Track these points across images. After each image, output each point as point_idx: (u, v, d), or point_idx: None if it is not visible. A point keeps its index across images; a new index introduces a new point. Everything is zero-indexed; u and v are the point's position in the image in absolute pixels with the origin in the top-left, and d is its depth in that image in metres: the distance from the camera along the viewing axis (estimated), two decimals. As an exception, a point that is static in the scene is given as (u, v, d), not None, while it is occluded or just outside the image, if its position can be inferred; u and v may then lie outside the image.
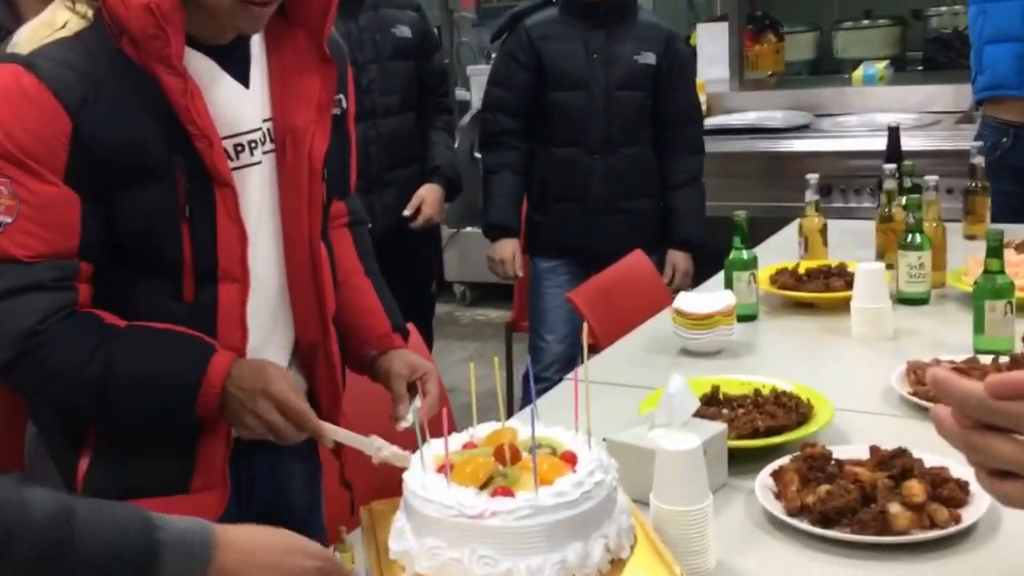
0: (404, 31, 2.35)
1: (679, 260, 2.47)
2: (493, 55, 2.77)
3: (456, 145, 4.23)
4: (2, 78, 0.99)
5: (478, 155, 3.49)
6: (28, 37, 1.02)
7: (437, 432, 0.97)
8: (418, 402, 1.19)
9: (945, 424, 0.56)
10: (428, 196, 2.40)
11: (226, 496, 1.11)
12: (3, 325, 1.01)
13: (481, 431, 1.03)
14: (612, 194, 2.40)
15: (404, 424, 1.17)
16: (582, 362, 1.03)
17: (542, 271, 2.49)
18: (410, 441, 1.00)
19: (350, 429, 1.18)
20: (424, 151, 2.42)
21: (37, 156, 0.99)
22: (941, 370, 0.57)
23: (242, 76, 1.10)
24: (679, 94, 2.47)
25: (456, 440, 1.00)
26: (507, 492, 0.92)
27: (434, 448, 0.98)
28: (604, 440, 1.18)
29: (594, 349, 1.85)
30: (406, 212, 2.38)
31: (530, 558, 0.90)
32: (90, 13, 1.03)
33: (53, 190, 1.00)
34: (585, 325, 1.08)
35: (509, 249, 2.44)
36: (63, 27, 1.02)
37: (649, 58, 2.41)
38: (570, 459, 0.97)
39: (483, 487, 0.93)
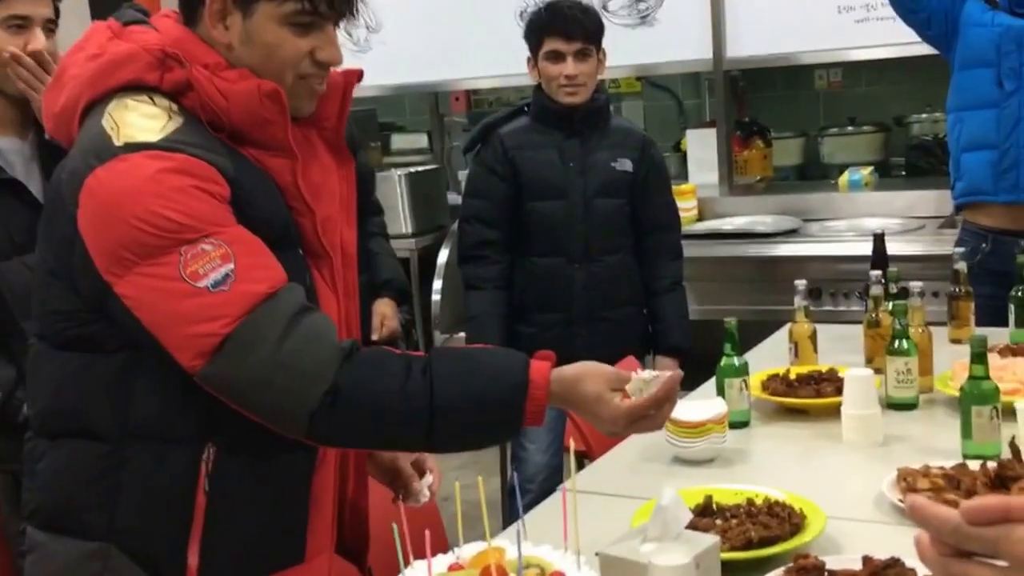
0: None
1: (667, 367, 2.47)
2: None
3: (448, 251, 4.31)
4: (146, 164, 1.00)
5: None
6: (133, 132, 1.02)
7: (421, 553, 0.98)
8: (429, 478, 1.23)
9: (926, 552, 0.56)
10: (387, 311, 2.44)
11: (332, 557, 1.12)
12: (308, 353, 1.00)
13: (467, 551, 1.03)
14: (594, 303, 2.39)
15: (420, 501, 1.22)
16: (569, 475, 1.05)
17: None
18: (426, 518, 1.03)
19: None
20: (368, 263, 2.41)
21: (211, 217, 1.01)
22: (918, 497, 0.57)
23: None
24: (657, 200, 2.48)
25: (442, 561, 1.01)
26: None
27: (418, 571, 0.98)
28: (597, 554, 1.18)
29: (587, 457, 1.85)
30: (374, 336, 2.40)
31: None
32: (175, 107, 1.06)
33: (241, 229, 1.03)
34: (571, 439, 1.10)
35: None
36: (169, 119, 1.05)
37: (626, 165, 2.42)
38: None
39: None
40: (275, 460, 1.09)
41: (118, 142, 1.02)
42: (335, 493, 1.12)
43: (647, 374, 1.16)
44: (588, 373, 1.12)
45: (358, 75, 1.19)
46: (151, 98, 1.06)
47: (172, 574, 1.06)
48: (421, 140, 4.80)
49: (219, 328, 0.98)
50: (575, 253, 2.37)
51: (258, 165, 1.06)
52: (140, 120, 1.04)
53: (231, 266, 0.99)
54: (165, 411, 1.06)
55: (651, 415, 1.12)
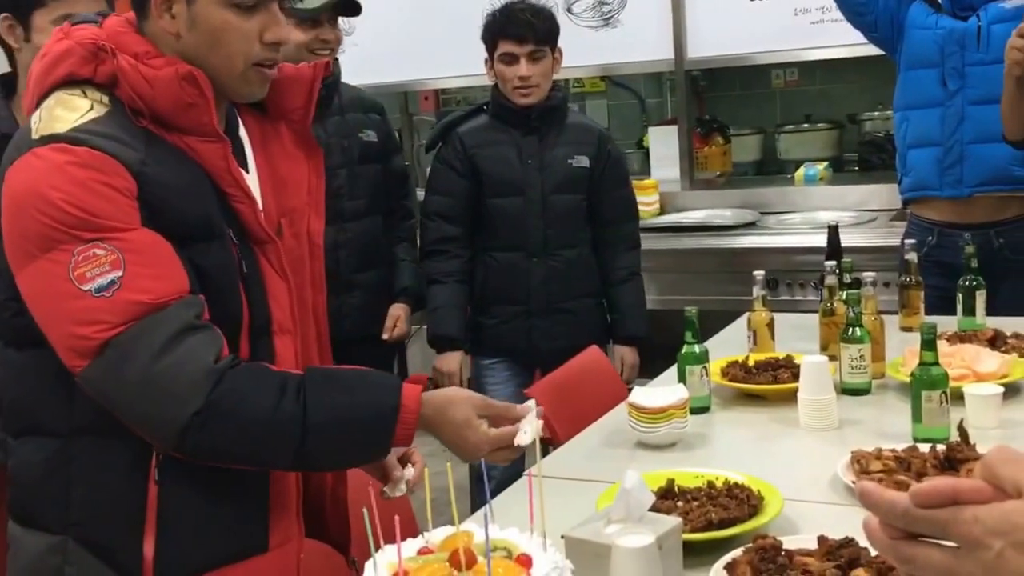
0: (371, 135, 2.43)
1: (626, 354, 2.52)
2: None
3: (418, 248, 4.33)
4: (52, 157, 1.00)
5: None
6: (51, 124, 1.03)
7: (390, 538, 1.00)
8: (410, 470, 1.23)
9: (875, 536, 0.56)
10: (401, 315, 2.47)
11: (301, 548, 1.11)
12: (180, 375, 0.99)
13: (436, 535, 1.05)
14: (552, 296, 2.43)
15: (396, 493, 1.22)
16: (536, 461, 1.07)
17: (483, 368, 2.51)
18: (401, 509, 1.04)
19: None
20: (391, 265, 2.47)
21: (113, 215, 1.00)
22: (867, 482, 0.57)
23: (241, 161, 1.15)
24: (615, 193, 2.52)
25: (412, 546, 1.02)
26: None
27: (388, 555, 0.99)
28: (562, 537, 1.21)
29: (553, 443, 1.88)
30: (384, 335, 2.44)
31: None
32: (105, 99, 1.05)
33: (142, 233, 1.01)
34: (537, 436, 1.12)
35: (455, 362, 2.46)
36: (90, 110, 1.04)
37: (583, 161, 2.46)
38: (525, 562, 0.98)
39: None
40: None
41: (35, 136, 1.03)
42: (298, 482, 1.12)
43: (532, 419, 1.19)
44: (457, 399, 1.14)
45: (325, 67, 1.19)
46: (83, 91, 1.06)
47: (129, 564, 1.07)
48: (391, 137, 4.82)
49: (95, 333, 0.99)
50: (533, 248, 2.41)
51: (190, 153, 1.05)
52: (61, 112, 1.05)
53: (119, 273, 0.99)
54: None
55: (512, 446, 1.16)
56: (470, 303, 2.50)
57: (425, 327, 4.33)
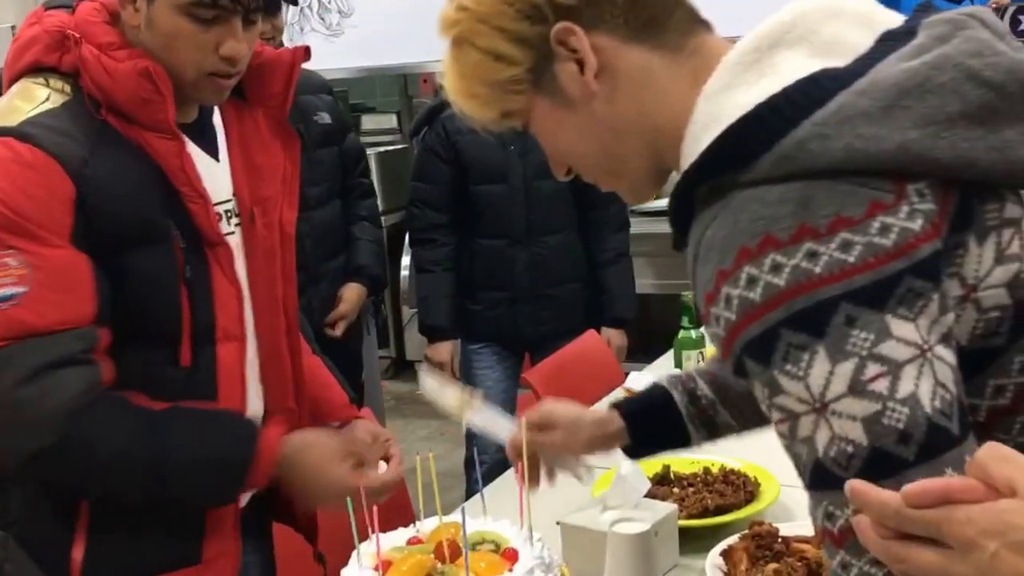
0: (324, 117, 2.35)
1: (614, 337, 2.50)
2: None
3: (383, 228, 4.30)
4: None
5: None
6: (6, 115, 1.02)
7: (384, 527, 0.99)
8: (383, 466, 1.21)
9: (867, 535, 0.55)
10: (351, 296, 2.39)
11: (238, 562, 1.10)
12: (38, 407, 0.97)
13: (428, 525, 1.05)
14: (538, 282, 2.42)
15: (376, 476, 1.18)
16: (525, 457, 1.06)
17: (470, 353, 2.50)
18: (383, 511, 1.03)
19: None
20: (347, 246, 2.40)
21: (42, 222, 0.98)
22: (858, 481, 0.55)
23: (211, 150, 1.13)
24: None
25: (402, 535, 1.02)
26: None
27: (374, 545, 0.99)
28: (558, 523, 1.21)
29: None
30: (328, 320, 2.34)
31: None
32: (67, 88, 1.04)
33: (63, 253, 0.99)
34: (523, 421, 1.11)
35: (447, 352, 2.46)
36: (46, 100, 1.03)
37: None
38: (511, 556, 0.97)
39: None
40: None
41: None
42: (236, 505, 1.10)
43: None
44: (316, 442, 1.12)
45: (304, 52, 1.17)
46: (46, 79, 1.05)
47: (59, 567, 1.07)
48: (390, 121, 4.82)
49: None
50: (517, 234, 2.40)
51: (146, 148, 1.03)
52: (19, 103, 1.04)
53: (22, 289, 0.97)
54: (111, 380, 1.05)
55: (382, 485, 1.14)
56: (457, 289, 2.50)
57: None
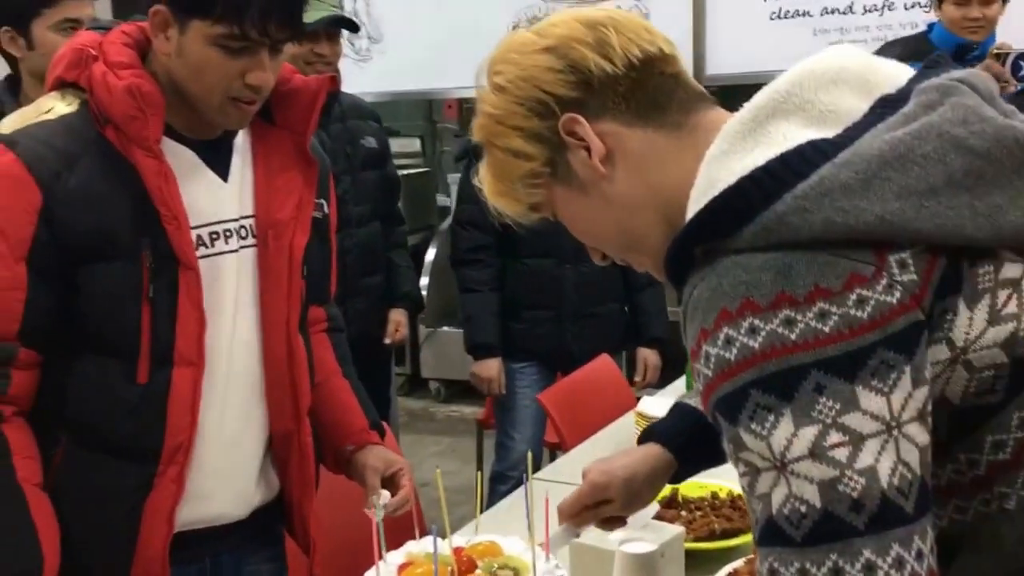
0: (371, 142, 2.47)
1: (650, 357, 2.56)
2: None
3: (435, 250, 4.37)
4: None
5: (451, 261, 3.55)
6: (14, 120, 1.10)
7: (403, 530, 1.01)
8: (386, 496, 1.21)
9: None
10: (402, 320, 2.53)
11: None
12: None
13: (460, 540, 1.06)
14: (584, 301, 2.48)
15: (376, 511, 1.18)
16: (527, 479, 1.07)
17: (512, 371, 2.55)
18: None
19: (319, 526, 1.21)
20: (389, 271, 2.52)
21: (3, 229, 1.03)
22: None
23: (222, 170, 1.16)
24: None
25: (424, 544, 1.01)
26: None
27: (406, 548, 1.02)
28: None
29: (560, 449, 1.91)
30: (387, 340, 2.49)
31: None
32: (77, 102, 1.10)
33: (5, 273, 1.03)
34: (529, 455, 1.11)
35: (495, 368, 2.50)
36: (48, 111, 1.09)
37: None
38: None
39: None
40: (115, 465, 1.10)
41: None
42: (170, 527, 1.11)
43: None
44: None
45: (330, 82, 1.21)
46: (62, 94, 1.11)
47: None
48: (414, 144, 4.90)
49: None
50: (566, 255, 2.45)
51: (136, 166, 1.06)
52: (28, 112, 1.10)
53: None
54: (28, 393, 1.09)
55: None
56: (501, 309, 2.55)
57: (434, 331, 4.41)
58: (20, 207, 1.04)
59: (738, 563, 1.26)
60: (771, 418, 0.63)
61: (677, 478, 1.10)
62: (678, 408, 1.10)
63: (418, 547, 1.04)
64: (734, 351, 0.64)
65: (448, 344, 4.37)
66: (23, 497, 1.04)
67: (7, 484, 1.04)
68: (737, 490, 1.49)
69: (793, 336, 0.63)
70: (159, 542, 1.10)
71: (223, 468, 1.16)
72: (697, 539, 1.35)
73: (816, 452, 0.62)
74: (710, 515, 1.41)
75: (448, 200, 4.68)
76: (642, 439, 1.10)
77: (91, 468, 1.10)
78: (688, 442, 1.07)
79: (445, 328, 4.41)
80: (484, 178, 0.84)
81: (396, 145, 4.87)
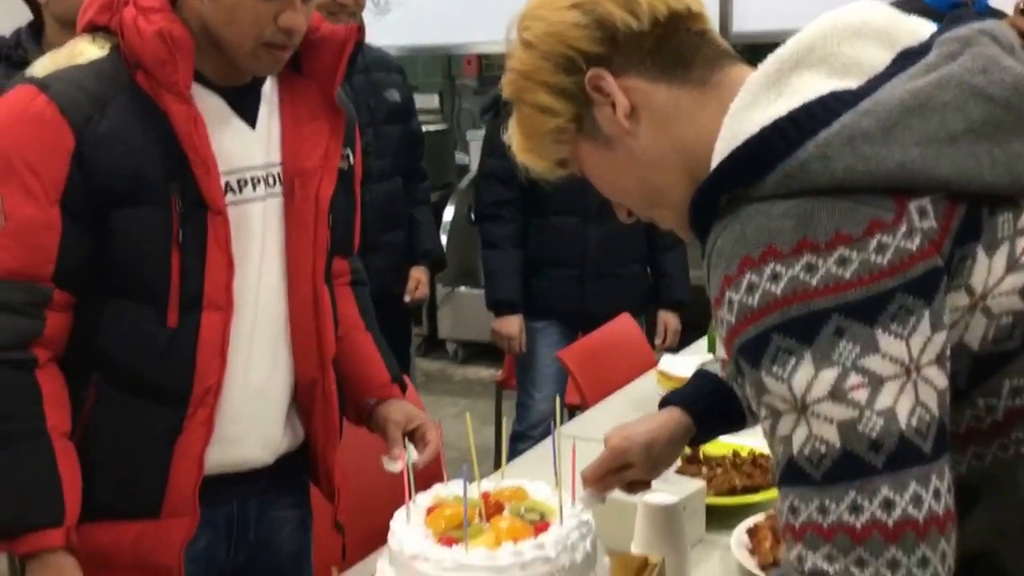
0: (394, 95, 2.45)
1: (670, 320, 2.55)
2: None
3: (453, 208, 4.35)
4: (17, 97, 1.07)
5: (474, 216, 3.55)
6: (46, 64, 1.09)
7: (431, 481, 1.02)
8: (413, 451, 1.22)
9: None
10: (423, 278, 2.52)
11: (195, 524, 1.13)
12: None
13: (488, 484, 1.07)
14: (607, 260, 2.47)
15: (392, 468, 1.21)
16: (555, 426, 1.08)
17: (533, 330, 2.55)
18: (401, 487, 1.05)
19: (343, 475, 1.23)
20: (411, 228, 2.50)
21: (37, 171, 1.04)
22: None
23: (250, 117, 1.16)
24: None
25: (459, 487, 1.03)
26: (449, 542, 0.96)
27: (434, 491, 1.03)
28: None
29: (580, 409, 1.92)
30: (407, 297, 2.49)
31: None
32: (108, 46, 1.10)
33: (40, 215, 1.04)
34: (557, 399, 1.12)
35: (516, 326, 2.49)
36: (80, 55, 1.09)
37: None
38: (541, 529, 0.99)
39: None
40: (146, 407, 1.11)
41: (27, 72, 1.10)
42: (201, 463, 1.12)
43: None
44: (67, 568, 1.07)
45: (357, 31, 1.20)
46: (93, 37, 1.11)
47: None
48: (433, 101, 4.85)
49: None
50: (590, 213, 2.43)
51: (166, 111, 1.07)
52: (61, 56, 1.10)
53: None
54: (62, 335, 1.10)
55: None
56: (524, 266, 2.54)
57: (452, 291, 4.42)
58: (54, 150, 1.05)
59: (758, 518, 1.27)
60: (792, 361, 0.64)
61: (695, 442, 1.11)
62: (699, 374, 1.12)
63: (446, 491, 1.05)
64: (756, 296, 0.66)
65: (466, 305, 4.38)
66: (51, 447, 1.06)
67: (37, 433, 1.06)
68: (759, 448, 1.49)
69: (814, 281, 0.64)
70: (189, 483, 1.12)
71: (250, 414, 1.18)
72: (718, 494, 1.36)
73: (836, 394, 0.63)
74: (731, 471, 1.42)
75: (467, 158, 4.65)
76: (663, 404, 1.12)
77: (122, 410, 1.11)
78: (707, 407, 1.08)
79: (463, 288, 4.41)
80: (513, 135, 0.85)
81: (415, 101, 4.90)
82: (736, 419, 1.07)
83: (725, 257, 0.68)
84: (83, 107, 1.06)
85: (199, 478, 1.13)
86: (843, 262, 0.64)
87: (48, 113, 1.05)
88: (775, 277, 0.65)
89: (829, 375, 0.63)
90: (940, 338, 0.64)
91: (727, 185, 0.70)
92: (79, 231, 1.07)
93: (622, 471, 1.09)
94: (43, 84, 1.07)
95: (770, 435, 0.67)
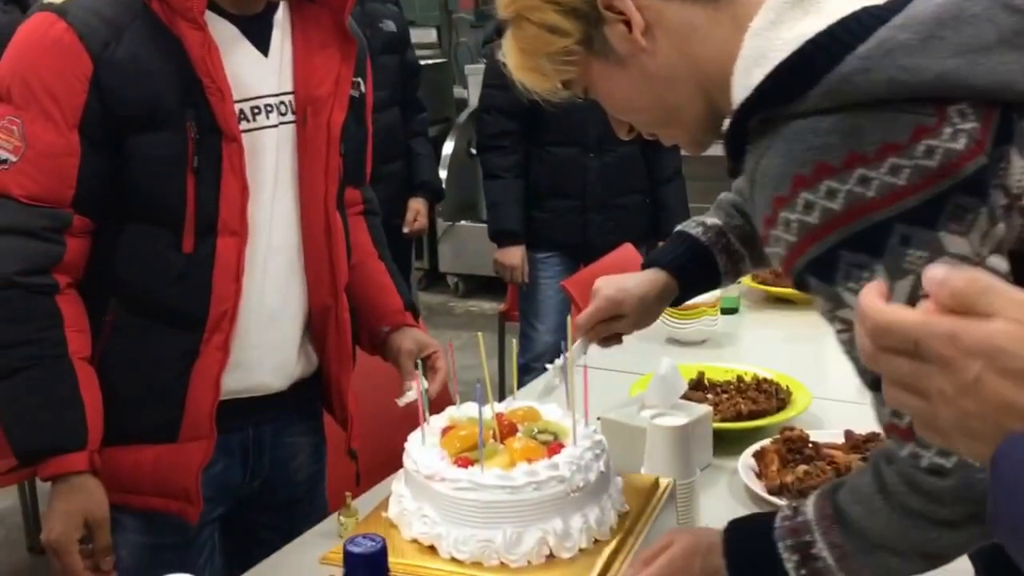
0: (390, 25, 2.42)
1: None
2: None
3: (453, 143, 4.31)
4: (35, 24, 1.07)
5: (474, 151, 3.54)
6: None
7: (442, 406, 1.04)
8: (425, 380, 1.23)
9: (862, 344, 0.47)
10: (421, 208, 2.52)
11: (211, 448, 1.15)
12: None
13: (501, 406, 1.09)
14: (607, 191, 2.47)
15: (407, 398, 1.22)
16: (567, 348, 1.09)
17: (536, 262, 2.56)
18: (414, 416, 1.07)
19: (356, 407, 1.25)
20: (408, 159, 2.49)
21: (57, 96, 1.05)
22: (869, 292, 0.47)
23: (262, 46, 1.15)
24: None
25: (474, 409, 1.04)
26: (464, 463, 0.97)
27: (448, 413, 1.04)
28: (598, 419, 1.26)
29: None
30: (405, 229, 2.49)
31: (463, 529, 0.95)
32: None
33: (59, 140, 1.05)
34: (569, 319, 1.14)
35: (518, 256, 2.50)
36: None
37: None
38: (554, 450, 1.01)
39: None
40: (163, 332, 1.12)
41: (45, 0, 1.09)
42: (217, 385, 1.13)
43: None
44: (95, 497, 1.08)
45: None
46: None
47: None
48: (430, 35, 4.79)
49: None
50: (590, 143, 2.42)
51: (180, 38, 1.07)
52: None
53: (13, 158, 1.05)
54: (82, 261, 1.11)
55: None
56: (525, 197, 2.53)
57: (452, 225, 4.41)
58: (72, 75, 1.05)
59: (764, 442, 1.29)
60: (865, 275, 0.68)
61: (676, 302, 1.17)
62: (679, 235, 1.16)
63: (459, 412, 1.07)
64: (816, 214, 0.68)
65: (466, 238, 4.38)
66: (73, 371, 1.07)
67: (59, 357, 1.07)
68: (762, 374, 1.51)
69: (870, 193, 0.66)
70: (206, 407, 1.14)
71: (265, 339, 1.19)
72: (724, 420, 1.38)
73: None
74: (736, 397, 1.43)
75: (465, 92, 4.59)
76: (647, 265, 1.16)
77: (141, 334, 1.12)
78: (692, 271, 1.13)
79: (463, 222, 4.40)
80: (510, 52, 0.83)
81: (412, 35, 4.82)
82: (713, 280, 1.14)
83: (772, 176, 0.69)
84: (100, 33, 1.05)
85: (215, 402, 1.14)
86: (895, 170, 0.65)
87: (67, 39, 1.05)
88: (832, 194, 0.66)
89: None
90: (997, 230, 0.67)
91: (768, 104, 0.70)
92: (97, 156, 1.07)
93: (611, 322, 1.13)
94: (61, 11, 1.06)
95: (849, 345, 0.70)
